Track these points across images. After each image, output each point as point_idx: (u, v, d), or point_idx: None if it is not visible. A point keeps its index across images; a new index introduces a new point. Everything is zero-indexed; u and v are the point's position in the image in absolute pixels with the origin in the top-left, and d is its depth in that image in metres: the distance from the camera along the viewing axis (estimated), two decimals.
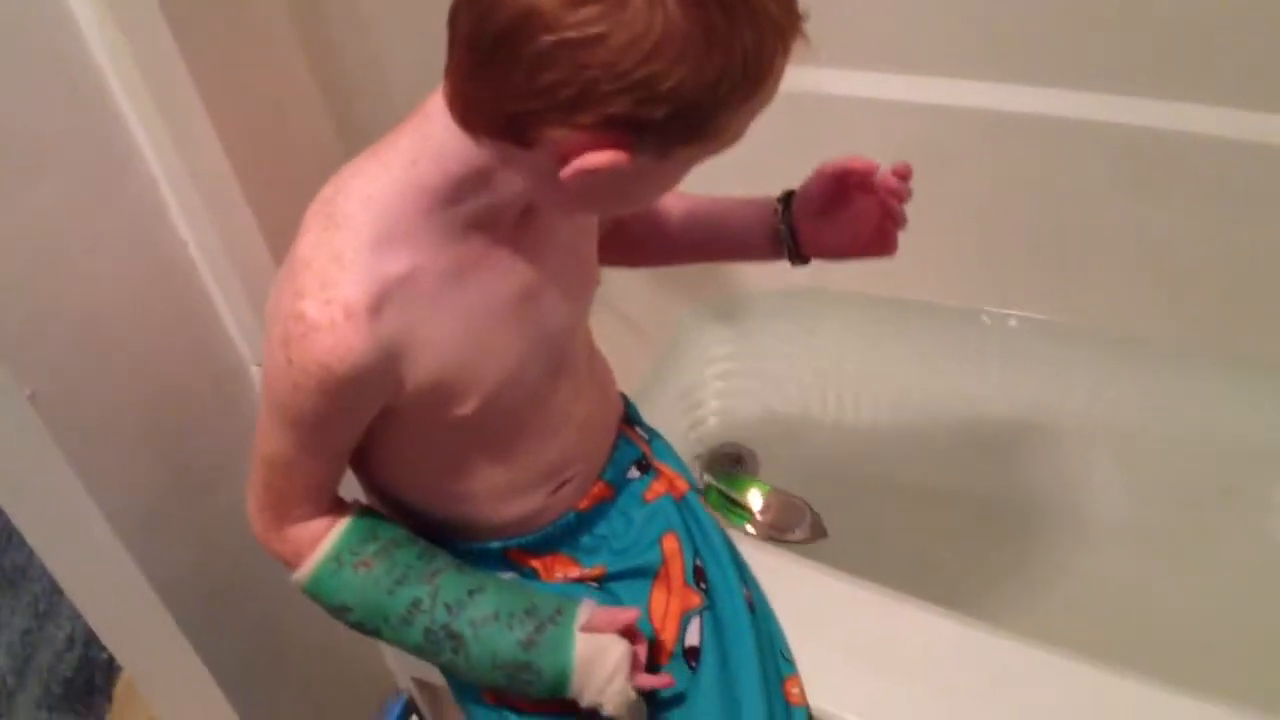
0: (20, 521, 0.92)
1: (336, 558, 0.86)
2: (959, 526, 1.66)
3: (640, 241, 1.07)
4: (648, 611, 1.00)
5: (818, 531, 1.61)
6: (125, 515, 0.98)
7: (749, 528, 1.63)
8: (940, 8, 1.67)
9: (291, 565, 0.88)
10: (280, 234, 0.95)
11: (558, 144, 0.66)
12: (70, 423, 0.91)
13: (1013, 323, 1.93)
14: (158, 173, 0.95)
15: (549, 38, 0.60)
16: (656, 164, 0.69)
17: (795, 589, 1.11)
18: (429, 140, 0.72)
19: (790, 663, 1.05)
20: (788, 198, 1.05)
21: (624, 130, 0.64)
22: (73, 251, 0.90)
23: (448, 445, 0.88)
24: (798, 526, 1.64)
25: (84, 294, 0.92)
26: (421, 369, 0.77)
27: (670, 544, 1.03)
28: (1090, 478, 1.70)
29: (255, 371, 1.09)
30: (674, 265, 1.19)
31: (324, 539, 0.87)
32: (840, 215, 1.04)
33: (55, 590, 1.08)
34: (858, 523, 1.68)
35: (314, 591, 0.88)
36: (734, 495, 1.68)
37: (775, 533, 1.63)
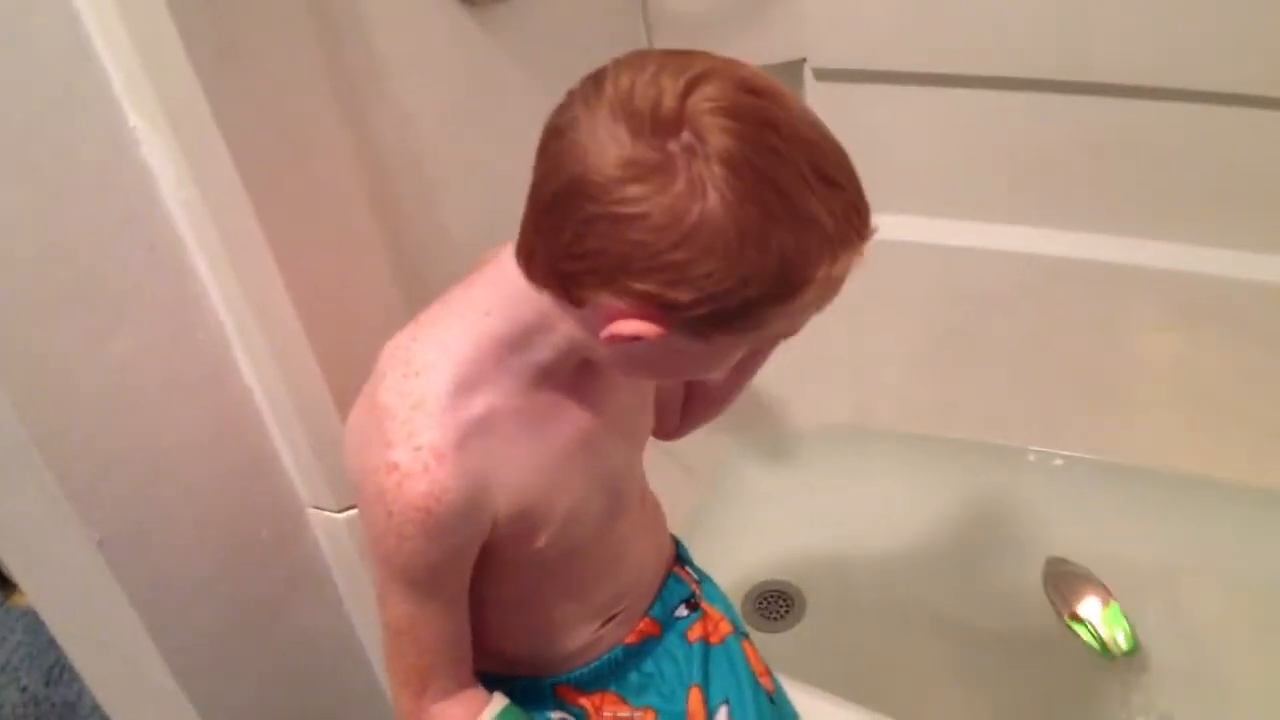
0: (80, 663, 0.94)
1: None
2: (1004, 667, 1.63)
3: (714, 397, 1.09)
4: None
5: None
6: (183, 655, 0.99)
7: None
8: (979, 154, 1.71)
9: None
10: (342, 378, 0.99)
11: (601, 306, 0.68)
12: (135, 565, 0.93)
13: (1059, 462, 1.92)
14: (226, 322, 0.99)
15: (594, 208, 0.63)
16: (696, 344, 0.70)
17: None
18: (502, 289, 0.75)
19: None
20: None
21: (655, 307, 0.66)
22: (144, 399, 0.93)
23: (521, 581, 0.89)
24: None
25: (153, 441, 0.95)
26: (504, 502, 0.79)
27: (694, 700, 1.02)
28: (1141, 617, 1.68)
29: (311, 514, 1.11)
30: None
31: None
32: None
33: None
34: (901, 661, 1.66)
35: None
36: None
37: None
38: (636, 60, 0.65)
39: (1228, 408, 1.75)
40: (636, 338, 0.68)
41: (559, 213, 0.66)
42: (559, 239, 0.66)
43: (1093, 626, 1.62)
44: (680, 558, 1.10)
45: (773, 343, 0.74)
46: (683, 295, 0.64)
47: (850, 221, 0.66)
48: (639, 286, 0.65)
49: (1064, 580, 1.69)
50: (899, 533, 1.87)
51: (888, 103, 1.69)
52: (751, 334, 0.70)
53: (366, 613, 1.17)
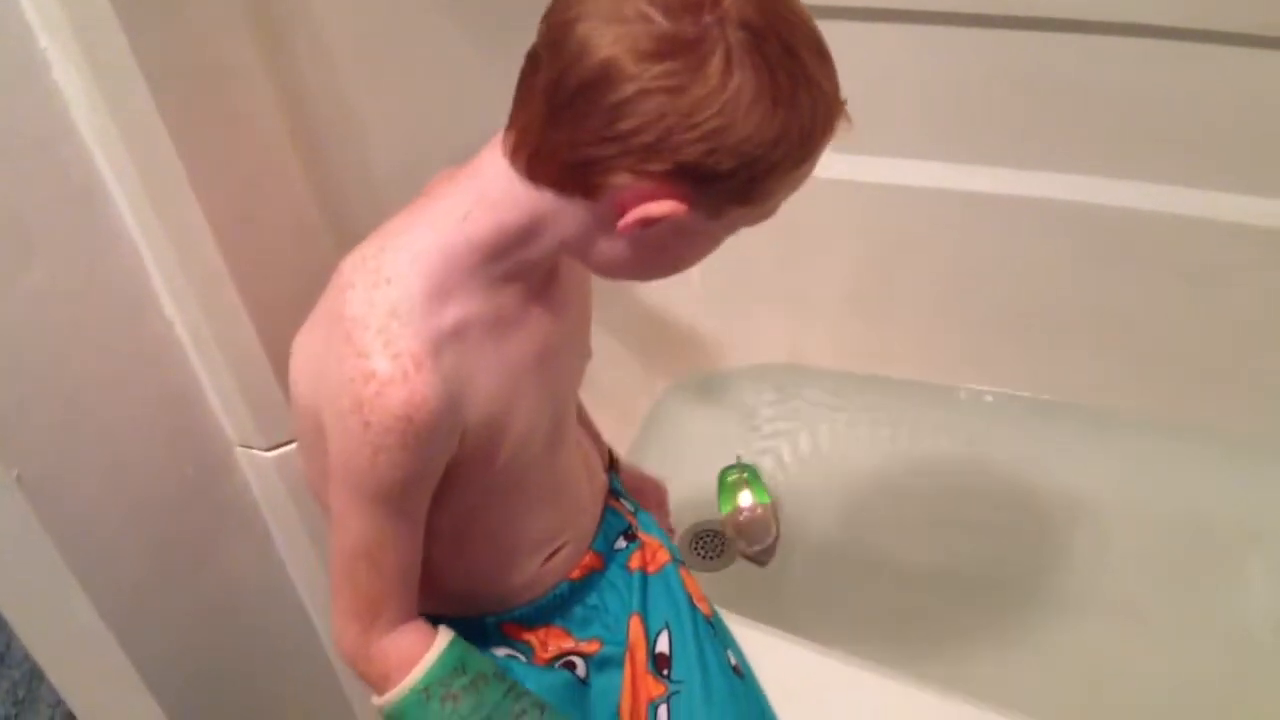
0: (3, 603, 0.92)
1: (425, 689, 0.85)
2: (936, 601, 1.66)
3: None
4: (618, 708, 1.00)
5: (765, 559, 1.63)
6: (110, 597, 0.97)
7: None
8: (907, 91, 1.71)
9: (377, 689, 0.86)
10: (266, 312, 0.97)
11: (620, 192, 0.69)
12: (56, 504, 0.90)
13: (989, 398, 1.95)
14: (145, 254, 0.96)
15: (632, 87, 0.65)
16: (706, 224, 0.73)
17: (774, 663, 1.11)
18: (485, 193, 0.75)
19: None
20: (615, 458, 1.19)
21: (688, 182, 0.68)
22: (59, 334, 0.90)
23: (466, 509, 0.88)
24: (755, 544, 1.65)
25: (70, 376, 0.92)
26: (473, 413, 0.79)
27: (635, 629, 1.03)
28: (1068, 551, 1.71)
29: (240, 453, 1.09)
30: None
31: (414, 668, 0.85)
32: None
33: (35, 677, 1.07)
34: (835, 597, 1.68)
35: (395, 718, 0.86)
36: (743, 488, 1.74)
37: (736, 537, 1.69)
38: None
39: (1153, 343, 1.78)
40: (659, 220, 0.70)
41: (584, 101, 0.67)
42: (585, 126, 0.67)
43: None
44: (614, 491, 1.11)
45: (757, 221, 0.76)
46: (721, 162, 0.67)
47: (838, 89, 0.72)
48: (677, 159, 0.67)
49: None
50: (832, 471, 1.89)
51: None
52: (757, 207, 0.73)
53: (297, 552, 1.16)
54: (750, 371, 2.06)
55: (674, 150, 0.66)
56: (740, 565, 1.75)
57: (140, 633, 1.01)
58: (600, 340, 1.44)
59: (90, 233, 0.92)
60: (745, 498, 1.62)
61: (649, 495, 1.22)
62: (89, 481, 0.95)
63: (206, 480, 1.08)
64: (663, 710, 1.00)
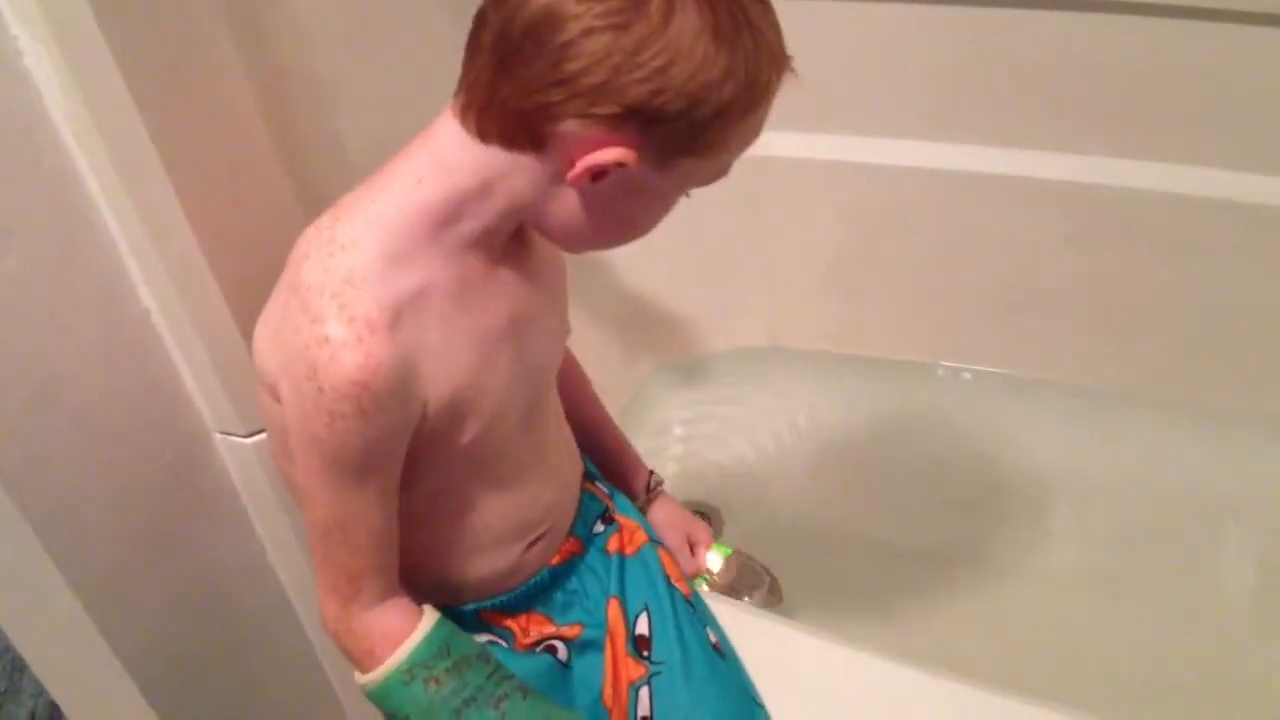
0: None
1: (409, 670, 0.85)
2: (918, 578, 1.67)
3: None
4: (600, 691, 1.01)
5: (775, 597, 1.62)
6: (89, 584, 0.97)
7: (705, 587, 1.63)
8: (888, 70, 1.71)
9: (362, 666, 0.86)
10: (243, 298, 0.96)
11: (568, 142, 0.70)
12: (34, 491, 0.90)
13: (968, 376, 1.96)
14: (120, 240, 0.95)
15: (576, 25, 0.65)
16: (656, 178, 0.73)
17: (755, 641, 1.11)
18: (437, 156, 0.75)
19: (762, 707, 1.05)
20: (655, 484, 1.21)
21: (635, 125, 0.68)
22: (35, 321, 0.90)
23: (439, 488, 0.88)
24: (755, 590, 1.64)
25: (46, 364, 0.92)
26: (436, 388, 0.78)
27: (613, 611, 1.03)
28: (1046, 526, 1.72)
29: (218, 439, 1.09)
30: None
31: (398, 648, 0.85)
32: None
33: (16, 669, 1.06)
34: (819, 576, 1.69)
35: (378, 698, 0.86)
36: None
37: (733, 595, 1.62)
38: None
39: (1132, 320, 1.79)
40: (605, 170, 0.70)
41: (531, 45, 0.67)
42: (531, 71, 0.68)
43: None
44: (589, 474, 1.11)
45: (708, 179, 0.77)
46: (668, 102, 0.68)
47: (782, 41, 0.73)
48: (624, 100, 0.67)
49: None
50: (813, 450, 1.89)
51: (787, 20, 1.67)
52: (707, 160, 0.73)
53: (277, 538, 1.16)
54: (731, 354, 2.06)
55: (620, 91, 0.67)
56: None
57: (121, 620, 1.01)
58: (580, 325, 1.44)
59: (65, 220, 0.91)
60: (714, 560, 1.61)
61: (691, 537, 1.22)
62: (67, 470, 0.95)
63: (185, 467, 1.08)
64: (644, 692, 1.00)
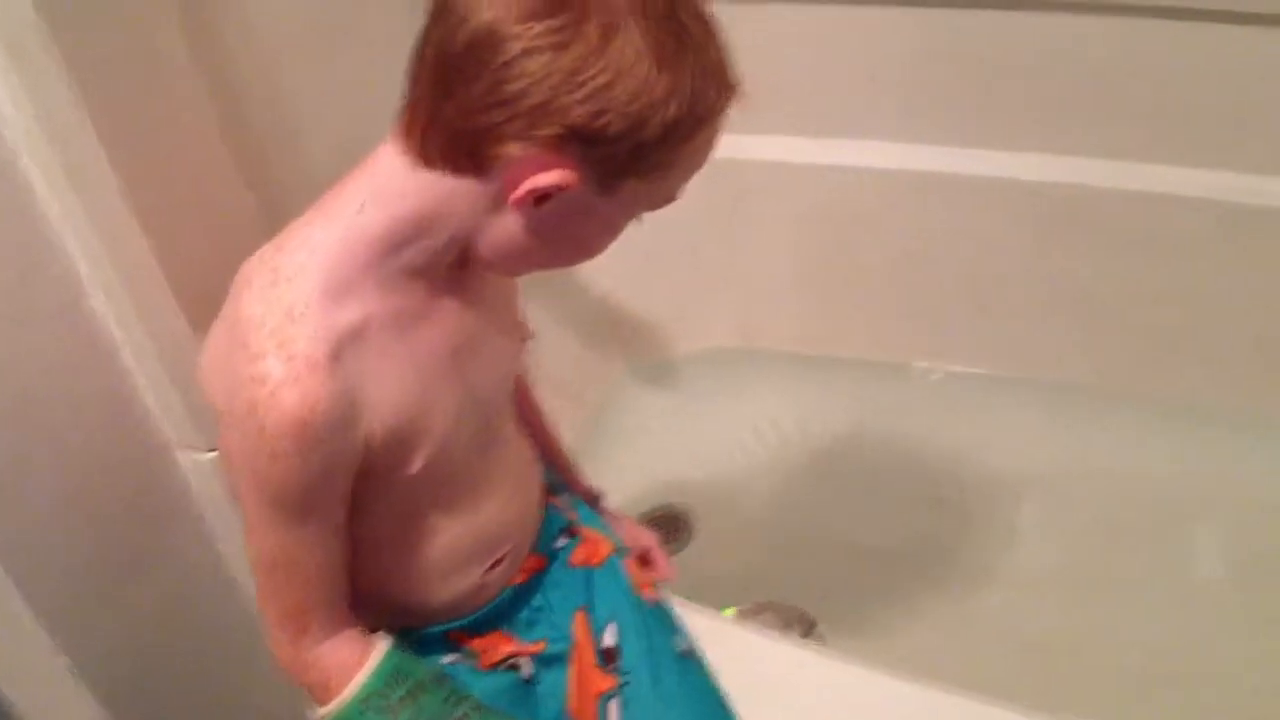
0: None
1: (364, 700, 0.84)
2: (890, 578, 1.67)
3: None
4: (565, 704, 1.00)
5: (807, 624, 1.60)
6: (50, 602, 0.96)
7: None
8: (849, 72, 1.71)
9: (318, 699, 0.85)
10: (201, 313, 0.95)
11: (511, 165, 0.68)
12: None
13: (937, 375, 1.96)
14: (76, 256, 0.94)
15: (514, 46, 0.64)
16: (601, 202, 0.71)
17: (725, 648, 1.10)
18: (377, 184, 0.73)
19: (733, 713, 1.05)
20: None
21: (578, 148, 0.67)
22: None
23: (394, 516, 0.87)
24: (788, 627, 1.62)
25: (3, 374, 0.90)
26: (379, 421, 0.77)
27: (580, 625, 1.02)
28: (1016, 524, 1.73)
29: (179, 454, 1.08)
30: None
31: (352, 679, 0.84)
32: None
33: None
34: (791, 577, 1.69)
35: None
36: None
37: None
38: None
39: (1101, 317, 1.80)
40: (548, 194, 0.69)
41: (472, 65, 0.66)
42: (471, 92, 0.66)
43: None
44: (551, 488, 1.09)
45: (656, 203, 0.75)
46: (609, 124, 0.66)
47: (729, 63, 0.71)
48: (564, 121, 0.66)
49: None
50: (787, 452, 1.90)
51: (754, 23, 1.66)
52: (652, 183, 0.72)
53: (239, 551, 1.14)
54: (702, 355, 2.06)
55: (561, 112, 0.65)
56: (697, 547, 1.76)
57: (83, 636, 1.00)
58: (550, 329, 1.43)
59: (16, 232, 0.90)
60: None
61: (634, 545, 1.17)
62: (25, 485, 0.94)
63: (146, 482, 1.07)
64: (613, 704, 0.99)
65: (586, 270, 1.87)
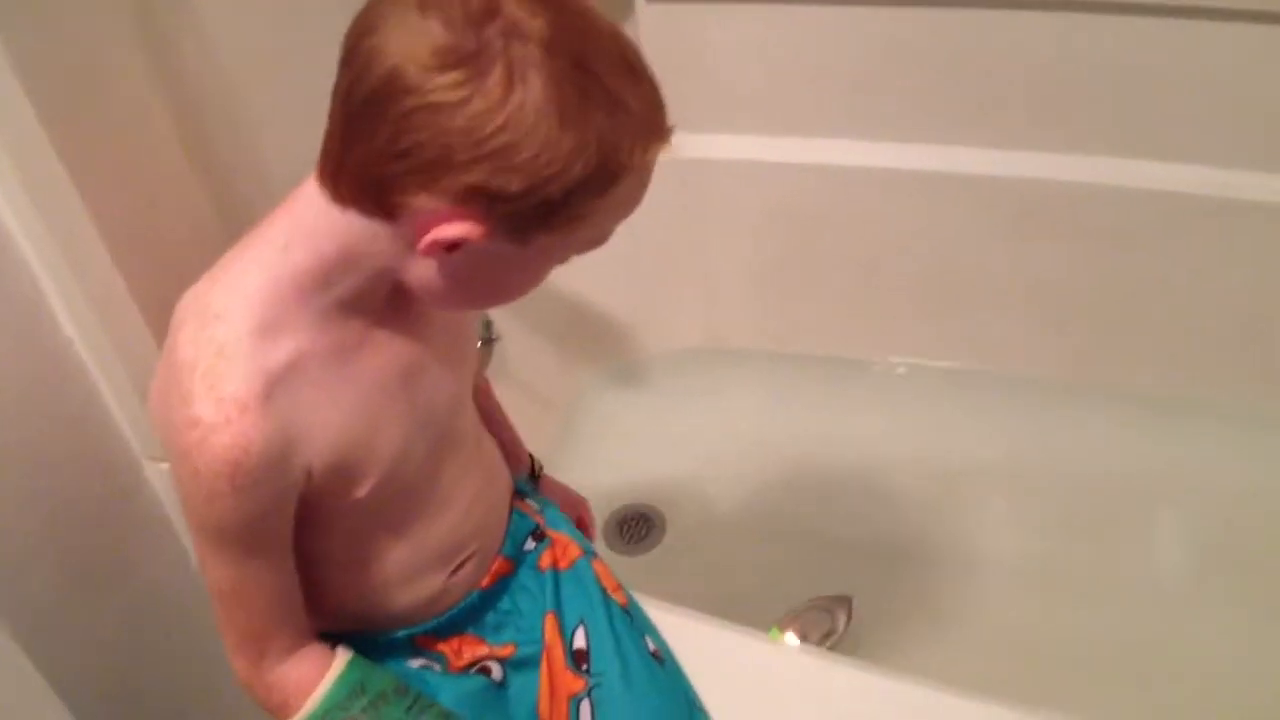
0: None
1: (324, 715, 0.84)
2: (859, 572, 1.69)
3: None
4: (535, 707, 1.01)
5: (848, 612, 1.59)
6: (22, 616, 0.95)
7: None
8: (811, 70, 1.72)
9: (278, 718, 0.85)
10: (166, 323, 0.95)
11: (418, 214, 0.66)
12: None
13: (902, 370, 1.98)
14: (38, 270, 0.94)
15: (412, 100, 0.62)
16: (515, 250, 0.69)
17: (695, 646, 1.12)
18: (299, 222, 0.72)
19: (704, 712, 1.06)
20: (539, 469, 1.19)
21: (480, 203, 0.65)
22: None
23: (347, 533, 0.87)
24: (831, 633, 1.61)
25: None
26: (318, 453, 0.76)
27: (550, 627, 1.03)
28: (983, 517, 1.75)
29: (149, 467, 1.08)
30: None
31: (311, 694, 0.84)
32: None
33: None
34: (760, 573, 1.70)
35: None
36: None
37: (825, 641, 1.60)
38: None
39: (1060, 309, 1.82)
40: (457, 243, 0.67)
41: (374, 113, 0.63)
42: (374, 141, 0.64)
43: None
44: (519, 491, 1.10)
45: (582, 248, 0.73)
46: (508, 183, 0.63)
47: (655, 110, 0.68)
48: (463, 179, 0.63)
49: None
50: (753, 449, 1.91)
51: (715, 23, 1.67)
52: (569, 234, 0.69)
53: None
54: (669, 356, 2.07)
55: (461, 168, 0.63)
56: (668, 545, 1.77)
57: (55, 649, 0.99)
58: (518, 332, 1.43)
59: None
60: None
61: (569, 512, 1.18)
62: None
63: (117, 495, 1.07)
64: (584, 706, 1.00)
65: (554, 273, 1.87)
